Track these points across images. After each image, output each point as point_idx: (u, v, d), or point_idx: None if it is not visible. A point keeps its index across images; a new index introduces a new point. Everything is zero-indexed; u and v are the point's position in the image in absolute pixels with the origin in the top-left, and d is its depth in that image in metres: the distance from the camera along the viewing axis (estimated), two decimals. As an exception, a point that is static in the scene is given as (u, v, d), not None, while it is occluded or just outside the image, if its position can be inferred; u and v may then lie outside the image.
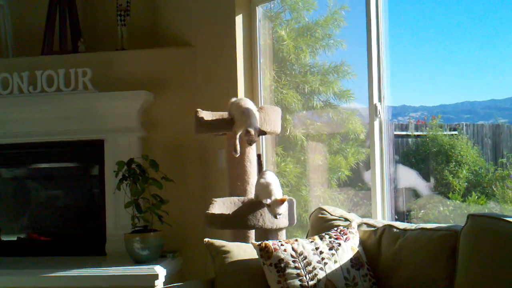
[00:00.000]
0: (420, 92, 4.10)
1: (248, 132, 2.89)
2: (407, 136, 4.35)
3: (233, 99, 3.16)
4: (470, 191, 3.89)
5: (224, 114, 3.15)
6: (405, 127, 4.40)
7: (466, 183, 3.90)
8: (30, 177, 4.29)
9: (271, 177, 2.90)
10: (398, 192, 4.04)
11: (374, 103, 3.15)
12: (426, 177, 4.18)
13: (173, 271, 3.56)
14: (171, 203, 3.62)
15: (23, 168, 4.25)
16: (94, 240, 3.96)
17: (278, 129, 3.21)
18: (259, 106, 3.44)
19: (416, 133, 4.34)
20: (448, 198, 3.87)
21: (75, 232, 4.17)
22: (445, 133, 4.12)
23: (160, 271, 3.38)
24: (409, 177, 4.09)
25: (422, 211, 3.95)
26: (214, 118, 3.12)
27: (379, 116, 3.17)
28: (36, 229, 4.21)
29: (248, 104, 3.06)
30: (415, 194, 4.09)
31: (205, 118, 3.11)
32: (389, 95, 3.29)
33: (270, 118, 3.09)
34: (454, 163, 3.96)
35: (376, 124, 3.18)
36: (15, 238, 4.15)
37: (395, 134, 4.20)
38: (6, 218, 4.18)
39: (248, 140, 2.92)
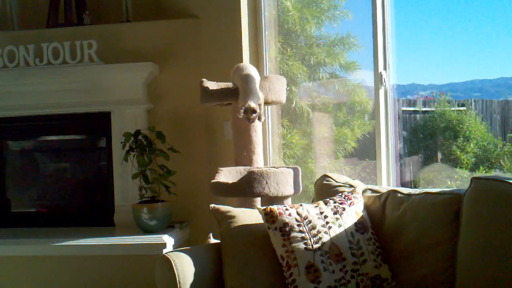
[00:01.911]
0: (429, 70, 4.08)
1: (246, 111, 2.86)
2: (415, 111, 4.35)
3: (236, 66, 3.14)
4: (478, 166, 3.90)
5: (229, 84, 3.15)
6: (413, 103, 4.40)
7: (474, 158, 3.91)
8: (38, 149, 4.32)
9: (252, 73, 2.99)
10: (404, 164, 4.05)
11: (379, 71, 3.15)
12: (433, 152, 4.18)
13: (181, 240, 3.60)
14: (178, 174, 3.65)
15: (30, 141, 4.27)
16: (103, 211, 4.01)
17: (283, 99, 3.21)
18: (264, 75, 3.43)
19: (424, 109, 4.34)
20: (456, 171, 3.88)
21: (84, 204, 4.21)
22: (453, 108, 4.11)
23: (168, 240, 3.42)
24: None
25: (430, 186, 3.95)
26: (219, 88, 3.13)
27: (384, 84, 3.17)
28: (44, 201, 4.26)
29: (249, 70, 3.04)
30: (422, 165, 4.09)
31: (210, 88, 3.12)
32: (394, 64, 3.28)
33: (275, 87, 3.09)
34: (462, 138, 3.97)
35: (382, 92, 3.18)
36: (24, 210, 4.21)
37: (402, 110, 4.20)
38: (15, 190, 4.22)
39: (247, 119, 2.90)
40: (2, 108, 4.01)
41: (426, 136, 4.25)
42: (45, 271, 3.54)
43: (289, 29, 3.93)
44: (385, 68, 3.16)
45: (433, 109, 4.29)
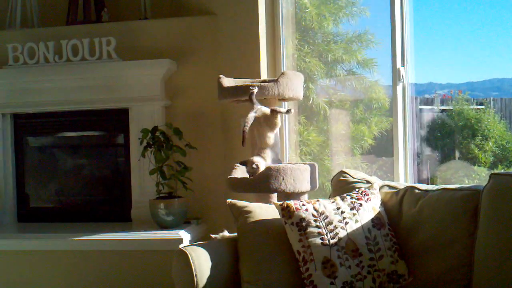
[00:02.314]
0: (447, 69, 4.05)
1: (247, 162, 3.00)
2: (433, 110, 4.32)
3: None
4: (497, 164, 3.86)
5: (246, 81, 3.16)
6: (431, 101, 4.36)
7: (492, 157, 3.87)
8: (56, 146, 4.36)
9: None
10: (422, 163, 4.02)
11: (397, 67, 3.13)
12: (451, 151, 4.15)
13: (197, 236, 3.62)
14: (195, 170, 3.67)
15: (49, 137, 4.32)
16: (120, 206, 4.04)
17: (300, 95, 3.21)
18: (281, 71, 3.43)
19: (441, 107, 4.31)
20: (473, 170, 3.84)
21: (101, 199, 4.25)
22: (471, 107, 4.08)
23: (184, 235, 3.44)
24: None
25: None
26: (236, 84, 3.14)
27: (402, 80, 3.15)
28: (63, 197, 4.31)
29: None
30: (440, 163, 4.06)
31: (227, 85, 3.13)
32: (412, 60, 3.26)
33: (292, 84, 3.09)
34: (480, 137, 3.93)
35: (399, 88, 3.16)
36: (43, 205, 4.26)
37: (420, 108, 4.17)
38: (34, 185, 4.27)
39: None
40: (22, 104, 4.06)
41: (443, 134, 4.22)
42: (63, 265, 3.58)
43: (307, 26, 3.93)
44: (403, 64, 3.14)
45: (451, 107, 4.25)
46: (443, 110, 4.31)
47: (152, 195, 3.69)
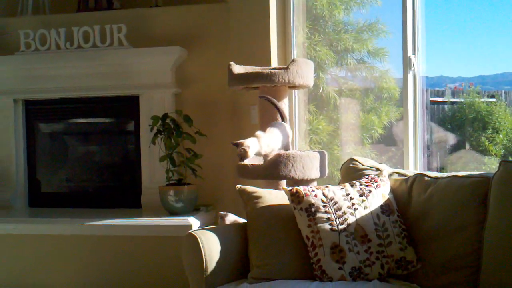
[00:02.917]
0: (458, 62, 4.03)
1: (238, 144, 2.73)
2: (443, 102, 4.30)
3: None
4: (507, 157, 3.84)
5: (256, 68, 3.16)
6: (441, 94, 4.34)
7: (503, 150, 3.86)
8: (67, 132, 4.39)
9: (269, 130, 2.89)
10: (432, 155, 4.01)
11: (408, 55, 3.12)
12: (461, 143, 4.13)
13: (206, 223, 3.63)
14: (204, 158, 3.69)
15: (60, 123, 4.35)
16: (130, 193, 4.07)
17: (310, 83, 3.20)
18: (291, 59, 3.43)
19: (452, 100, 4.28)
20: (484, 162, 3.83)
21: (112, 186, 4.28)
22: (482, 100, 4.05)
23: (194, 222, 3.46)
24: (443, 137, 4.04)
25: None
26: (246, 71, 3.14)
27: (413, 69, 3.14)
28: (73, 183, 4.34)
29: (281, 126, 3.00)
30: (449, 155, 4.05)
31: (237, 72, 3.13)
32: (424, 49, 3.24)
33: (302, 71, 3.08)
34: (491, 130, 3.91)
35: (410, 77, 3.15)
36: (54, 191, 4.30)
37: (431, 101, 4.16)
38: (45, 171, 4.31)
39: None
40: (33, 90, 4.10)
41: (454, 127, 4.20)
42: (73, 249, 3.62)
43: (317, 14, 3.92)
44: (414, 53, 3.13)
45: (461, 100, 4.23)
46: (453, 103, 4.29)
47: (162, 182, 3.71)
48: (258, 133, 2.84)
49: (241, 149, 2.68)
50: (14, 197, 4.14)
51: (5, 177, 4.15)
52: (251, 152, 2.71)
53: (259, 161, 3.04)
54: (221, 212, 2.94)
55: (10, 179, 4.15)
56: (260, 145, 2.78)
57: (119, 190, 4.22)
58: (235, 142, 2.74)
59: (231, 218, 2.87)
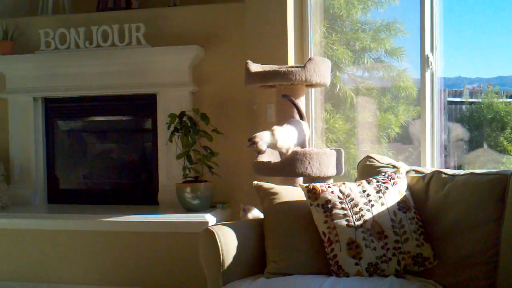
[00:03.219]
0: (476, 63, 4.00)
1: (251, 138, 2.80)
2: (461, 102, 4.27)
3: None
4: (527, 158, 3.81)
5: (273, 67, 3.18)
6: (459, 94, 4.32)
7: (522, 151, 3.83)
8: (85, 130, 4.46)
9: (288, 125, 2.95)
10: (449, 154, 3.99)
11: (425, 53, 3.11)
12: (479, 144, 4.11)
13: (222, 220, 3.65)
14: (221, 156, 3.71)
15: (79, 121, 4.41)
16: (147, 190, 4.11)
17: (327, 81, 3.21)
18: (309, 57, 3.44)
19: (470, 100, 4.26)
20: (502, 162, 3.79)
21: (129, 183, 4.33)
22: (501, 100, 4.02)
23: (210, 219, 3.48)
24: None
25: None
26: (263, 70, 3.16)
27: (430, 67, 3.13)
28: (91, 180, 4.40)
29: (298, 124, 3.05)
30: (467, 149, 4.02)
31: (254, 70, 3.15)
32: (441, 49, 3.23)
33: (319, 69, 3.09)
34: (509, 130, 3.88)
35: (428, 75, 3.14)
36: (72, 187, 4.35)
37: (448, 101, 4.14)
38: (64, 168, 4.37)
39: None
40: (52, 88, 4.16)
41: (472, 127, 4.17)
42: (91, 245, 3.67)
43: (335, 13, 3.92)
44: (431, 51, 3.12)
45: (480, 100, 4.20)
46: (472, 103, 4.26)
47: (178, 179, 3.74)
48: (274, 127, 2.88)
49: (253, 140, 2.75)
50: (33, 194, 4.20)
51: (25, 174, 4.22)
52: (262, 144, 2.76)
53: (276, 158, 3.05)
54: (243, 205, 2.96)
55: (30, 176, 4.22)
56: (275, 138, 2.82)
57: (136, 187, 4.26)
58: (250, 138, 2.79)
59: (255, 213, 2.90)
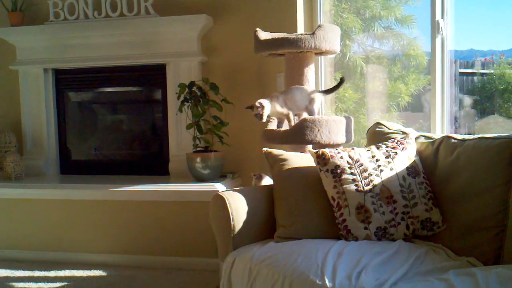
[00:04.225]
0: (489, 35, 3.95)
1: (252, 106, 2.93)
2: (473, 74, 4.23)
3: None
4: (538, 128, 3.79)
5: (282, 35, 3.16)
6: (471, 65, 4.28)
7: (534, 122, 3.80)
8: (96, 101, 4.48)
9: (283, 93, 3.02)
10: (460, 126, 3.97)
11: (436, 19, 3.07)
12: (491, 115, 4.08)
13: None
14: (231, 126, 3.73)
15: (89, 92, 4.43)
16: (158, 160, 4.14)
17: (337, 48, 3.19)
18: (318, 24, 3.41)
19: (482, 71, 4.22)
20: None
21: (140, 154, 4.37)
22: (513, 70, 3.98)
23: (220, 188, 3.51)
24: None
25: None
26: (272, 37, 3.14)
27: (441, 33, 3.09)
28: (102, 151, 4.43)
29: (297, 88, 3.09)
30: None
31: (264, 38, 3.13)
32: (452, 14, 3.19)
33: (328, 36, 3.07)
34: (522, 100, 3.86)
35: (438, 41, 3.11)
36: (83, 158, 4.39)
37: (460, 72, 4.10)
38: (75, 140, 4.41)
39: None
40: (62, 60, 4.17)
41: (483, 98, 4.14)
42: (103, 214, 3.72)
43: (344, -20, 3.88)
44: (442, 17, 3.08)
45: (491, 71, 4.16)
46: (483, 74, 4.22)
47: (189, 149, 3.77)
48: (274, 94, 2.97)
49: (258, 103, 2.87)
50: (46, 165, 4.26)
51: (37, 146, 4.27)
52: (262, 110, 2.86)
53: (285, 127, 3.06)
54: (255, 173, 2.98)
55: (42, 147, 4.27)
56: (273, 103, 2.93)
57: (147, 157, 4.30)
58: (249, 106, 2.90)
59: (267, 181, 2.93)
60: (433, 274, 1.93)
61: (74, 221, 3.76)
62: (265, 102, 2.90)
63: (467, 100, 3.98)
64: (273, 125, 3.09)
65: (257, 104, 2.88)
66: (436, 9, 3.08)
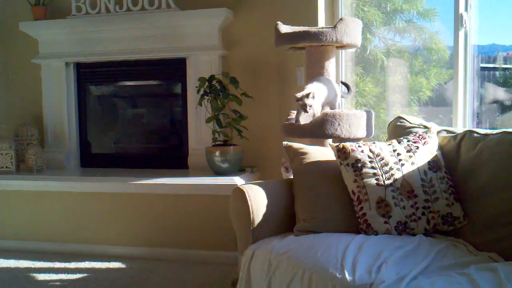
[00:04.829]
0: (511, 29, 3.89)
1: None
2: (495, 68, 4.18)
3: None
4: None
5: (304, 28, 3.14)
6: (493, 60, 4.22)
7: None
8: (116, 95, 4.51)
9: (317, 82, 2.92)
10: (481, 121, 3.93)
11: (459, 12, 3.03)
12: (512, 111, 4.02)
13: (251, 183, 3.69)
14: (250, 120, 3.73)
15: (110, 86, 4.46)
16: (177, 154, 4.16)
17: (358, 42, 3.16)
18: (339, 17, 3.39)
19: (504, 66, 4.16)
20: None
21: (159, 147, 4.39)
22: (536, 65, 3.92)
23: (239, 182, 3.51)
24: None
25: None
26: (293, 31, 3.13)
27: (464, 26, 3.05)
28: (122, 144, 4.47)
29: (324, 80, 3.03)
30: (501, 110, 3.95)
31: (284, 31, 3.12)
32: (476, 8, 3.14)
33: (350, 30, 3.04)
34: (543, 95, 3.80)
35: (461, 34, 3.07)
36: (104, 151, 4.43)
37: (481, 67, 4.05)
38: (96, 133, 4.44)
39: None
40: (84, 53, 4.21)
41: (505, 92, 4.08)
42: (123, 206, 3.76)
43: (366, -26, 3.85)
44: (466, 10, 3.04)
45: (514, 66, 4.09)
46: (505, 69, 4.16)
47: (208, 143, 3.78)
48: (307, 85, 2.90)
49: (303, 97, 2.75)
50: (67, 158, 4.30)
51: (58, 139, 4.32)
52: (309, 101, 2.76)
53: (305, 121, 3.04)
54: (285, 163, 2.96)
55: (63, 141, 4.31)
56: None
57: (167, 151, 4.32)
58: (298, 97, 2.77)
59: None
60: (454, 269, 1.91)
61: (94, 213, 3.80)
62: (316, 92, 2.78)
63: (489, 95, 3.93)
64: (293, 119, 3.08)
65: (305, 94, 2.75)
66: (460, 2, 3.04)
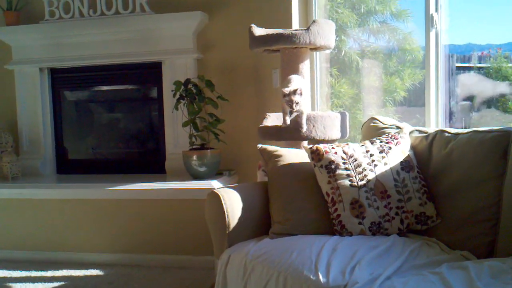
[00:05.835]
0: (487, 29, 3.94)
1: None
2: (469, 68, 4.23)
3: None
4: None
5: (277, 31, 3.15)
6: (468, 59, 4.27)
7: (531, 116, 3.80)
8: (92, 100, 4.47)
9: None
10: (456, 120, 3.97)
11: (430, 13, 3.07)
12: (487, 109, 4.08)
13: (229, 187, 3.69)
14: (227, 123, 3.72)
15: (85, 91, 4.43)
16: (154, 159, 4.14)
17: (331, 43, 3.18)
18: (312, 19, 3.40)
19: (479, 65, 4.21)
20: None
21: (136, 152, 4.37)
22: (510, 65, 3.97)
23: (217, 185, 3.50)
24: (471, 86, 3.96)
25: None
26: (267, 33, 3.14)
27: (435, 26, 3.09)
28: (99, 150, 4.43)
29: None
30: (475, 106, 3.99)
31: (258, 34, 3.13)
32: (447, 8, 3.18)
33: (323, 31, 3.06)
34: (518, 94, 3.85)
35: (432, 35, 3.11)
36: (80, 158, 4.39)
37: (456, 67, 4.10)
38: (72, 139, 4.40)
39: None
40: (58, 59, 4.17)
41: (480, 92, 4.13)
42: (100, 213, 3.72)
43: (339, -24, 3.87)
44: (436, 10, 3.07)
45: (488, 65, 4.15)
46: (480, 68, 4.21)
47: (185, 147, 3.76)
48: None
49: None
50: (43, 165, 4.25)
51: (33, 145, 4.27)
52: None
53: (281, 124, 3.05)
54: (260, 165, 2.96)
55: (38, 147, 4.26)
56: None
57: (144, 156, 4.30)
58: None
59: None
60: (427, 268, 1.93)
61: (71, 220, 3.76)
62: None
63: (464, 94, 3.98)
64: (268, 122, 3.09)
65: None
66: (431, 3, 3.07)
